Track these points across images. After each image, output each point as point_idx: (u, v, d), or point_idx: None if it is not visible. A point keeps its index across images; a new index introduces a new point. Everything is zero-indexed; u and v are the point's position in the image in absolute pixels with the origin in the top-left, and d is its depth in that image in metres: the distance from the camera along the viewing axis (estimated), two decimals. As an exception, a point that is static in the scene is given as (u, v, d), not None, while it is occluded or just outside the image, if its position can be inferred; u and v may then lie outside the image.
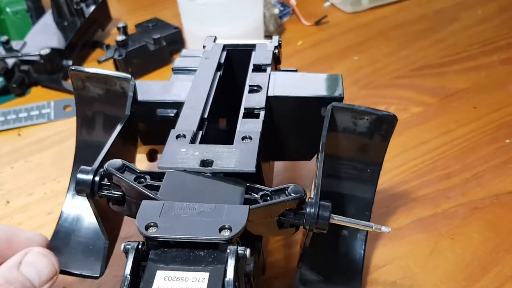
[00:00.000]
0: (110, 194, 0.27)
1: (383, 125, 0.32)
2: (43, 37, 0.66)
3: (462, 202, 0.44)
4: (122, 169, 0.27)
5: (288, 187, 0.26)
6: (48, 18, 0.70)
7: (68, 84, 0.63)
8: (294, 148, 0.39)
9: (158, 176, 0.27)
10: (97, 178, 0.27)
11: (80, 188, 0.27)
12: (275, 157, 0.41)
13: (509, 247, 0.40)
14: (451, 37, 0.68)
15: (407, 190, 0.45)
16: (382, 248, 0.40)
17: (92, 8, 0.71)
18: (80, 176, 0.27)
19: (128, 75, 0.33)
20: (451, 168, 0.47)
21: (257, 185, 0.27)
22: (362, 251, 0.37)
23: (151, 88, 0.37)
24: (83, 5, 0.70)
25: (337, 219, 0.26)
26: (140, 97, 0.35)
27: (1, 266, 0.26)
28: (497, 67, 0.62)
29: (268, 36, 0.69)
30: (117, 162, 0.27)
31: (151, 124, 0.36)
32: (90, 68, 0.34)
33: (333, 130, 0.33)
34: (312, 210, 0.26)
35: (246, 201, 0.26)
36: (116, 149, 0.31)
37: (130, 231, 0.39)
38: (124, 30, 0.66)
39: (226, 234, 0.23)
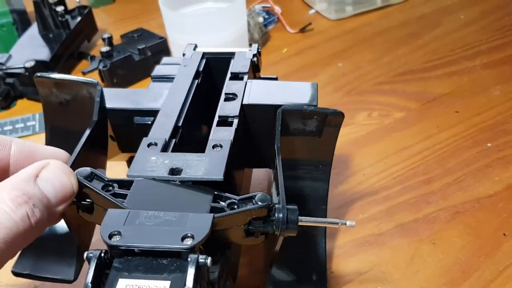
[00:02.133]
0: (78, 203, 0.27)
1: (331, 122, 0.33)
2: (28, 50, 0.66)
3: (443, 206, 0.44)
4: (90, 177, 0.27)
5: (255, 196, 0.26)
6: (33, 31, 0.70)
7: (53, 96, 0.64)
8: (270, 156, 0.39)
9: (126, 184, 0.27)
10: None
11: None
12: (251, 165, 0.41)
13: (490, 251, 0.40)
14: (433, 42, 0.69)
15: (389, 195, 0.46)
16: (364, 254, 0.41)
17: (78, 19, 0.71)
18: None
19: (95, 80, 0.33)
20: (433, 172, 0.48)
21: (225, 194, 0.27)
22: (323, 245, 0.37)
23: (128, 96, 0.37)
24: (68, 17, 0.70)
25: (305, 221, 0.26)
26: (118, 104, 0.35)
27: (14, 176, 0.24)
28: (479, 71, 0.62)
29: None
30: (86, 170, 0.27)
31: (129, 132, 0.36)
32: (56, 74, 0.34)
33: (285, 133, 0.33)
34: (281, 216, 0.26)
35: (213, 210, 0.26)
36: (85, 156, 0.30)
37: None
38: (109, 41, 0.66)
39: (188, 242, 0.23)
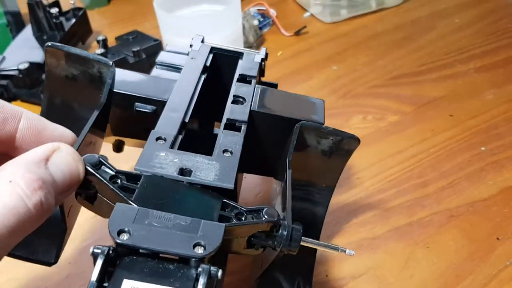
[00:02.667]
0: (82, 190, 0.26)
1: (345, 146, 0.33)
2: (22, 52, 0.66)
3: (438, 210, 0.45)
4: (98, 165, 0.26)
5: (263, 209, 0.26)
6: (27, 33, 0.70)
7: (47, 98, 0.63)
8: (269, 164, 0.39)
9: (134, 178, 0.26)
10: None
11: None
12: (250, 170, 0.41)
13: (483, 255, 0.40)
14: (428, 46, 0.69)
15: (384, 199, 0.46)
16: (358, 258, 0.41)
17: (72, 21, 0.70)
18: None
19: (109, 61, 0.32)
20: (427, 176, 0.48)
21: (233, 203, 0.27)
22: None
23: (131, 79, 0.35)
24: (62, 18, 0.70)
25: (307, 242, 0.26)
26: (119, 87, 0.34)
27: (24, 156, 0.22)
28: (473, 75, 0.63)
29: (247, 47, 0.69)
30: (93, 157, 0.26)
31: (126, 116, 0.35)
32: (69, 47, 0.32)
33: (297, 148, 0.33)
34: (285, 233, 0.25)
35: (220, 218, 0.25)
36: (87, 139, 0.29)
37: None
38: (103, 43, 0.66)
39: (200, 251, 0.22)
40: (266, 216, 0.25)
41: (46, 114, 0.36)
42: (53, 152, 0.23)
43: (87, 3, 0.86)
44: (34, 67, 0.63)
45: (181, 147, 0.31)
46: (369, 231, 0.43)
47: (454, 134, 0.53)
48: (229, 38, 0.63)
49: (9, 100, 0.64)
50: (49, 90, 0.35)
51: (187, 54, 0.40)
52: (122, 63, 0.63)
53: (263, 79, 0.45)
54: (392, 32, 0.74)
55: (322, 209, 0.36)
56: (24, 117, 0.25)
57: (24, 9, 0.70)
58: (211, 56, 0.40)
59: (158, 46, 0.68)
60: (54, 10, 0.68)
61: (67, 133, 0.27)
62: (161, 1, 0.62)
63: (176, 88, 0.35)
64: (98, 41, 0.66)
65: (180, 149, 0.30)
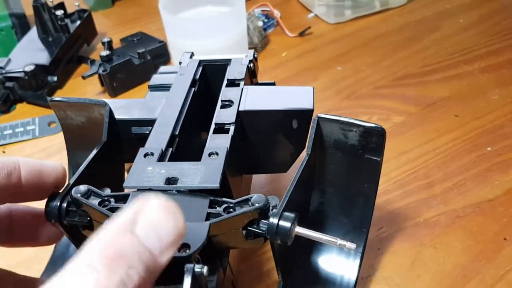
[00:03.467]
0: (76, 221, 0.27)
1: (373, 138, 0.32)
2: (28, 54, 0.67)
3: (444, 211, 0.45)
4: (87, 194, 0.27)
5: (251, 198, 0.26)
6: (33, 35, 0.70)
7: (53, 100, 0.64)
8: (268, 161, 0.39)
9: (123, 198, 0.27)
10: (64, 205, 0.27)
11: (48, 215, 0.27)
12: (250, 170, 0.41)
13: (490, 255, 0.40)
14: (432, 46, 0.69)
15: (390, 200, 0.46)
16: (364, 259, 0.40)
17: (77, 23, 0.71)
18: (48, 203, 0.27)
19: (103, 101, 0.33)
20: (433, 177, 0.48)
21: (222, 199, 0.27)
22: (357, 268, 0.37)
23: (126, 106, 0.37)
24: (67, 20, 0.70)
25: (301, 231, 0.26)
26: (116, 115, 0.36)
27: (109, 226, 0.19)
28: (477, 75, 0.63)
29: (252, 48, 0.70)
30: (82, 187, 0.27)
31: (127, 142, 0.36)
32: (68, 97, 0.34)
33: (323, 143, 0.33)
34: (274, 221, 0.25)
35: (209, 215, 0.26)
36: (97, 171, 0.30)
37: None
38: (108, 45, 0.66)
39: (184, 251, 0.23)
40: (255, 204, 0.25)
41: (70, 163, 0.38)
42: (141, 210, 0.20)
43: (91, 4, 0.86)
44: (40, 69, 0.63)
45: (174, 158, 0.31)
46: (375, 232, 0.43)
47: (460, 134, 0.53)
48: (234, 40, 0.63)
49: (15, 102, 0.64)
50: (69, 141, 0.37)
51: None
52: (127, 65, 0.64)
53: (264, 79, 0.45)
54: (396, 32, 0.74)
55: (368, 208, 0.36)
56: (22, 164, 0.27)
57: (29, 11, 0.71)
58: (200, 69, 0.41)
59: (163, 48, 0.68)
60: (59, 12, 0.68)
61: (57, 165, 0.28)
62: (166, 3, 0.62)
63: (165, 104, 0.36)
64: (103, 43, 0.66)
65: (173, 161, 0.31)
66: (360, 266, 0.37)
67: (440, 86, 0.61)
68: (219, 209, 0.26)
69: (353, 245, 0.26)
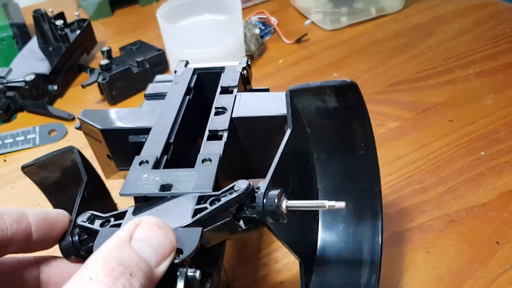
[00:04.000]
0: (91, 246, 0.28)
1: (348, 94, 0.32)
2: (28, 63, 0.68)
3: (438, 215, 0.45)
4: (90, 219, 0.28)
5: (234, 185, 0.26)
6: (33, 44, 0.71)
7: (53, 108, 0.65)
8: (263, 165, 0.40)
9: (121, 215, 0.28)
10: (75, 238, 0.28)
11: (66, 253, 0.28)
12: (245, 175, 0.42)
13: (483, 259, 0.41)
14: (427, 52, 0.70)
15: (384, 205, 0.45)
16: (359, 264, 0.41)
17: (77, 32, 0.72)
18: (61, 244, 0.28)
19: (69, 147, 0.33)
20: (427, 182, 0.49)
21: (208, 193, 0.27)
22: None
23: (122, 115, 0.38)
24: (67, 30, 0.71)
25: (289, 203, 0.26)
26: (112, 124, 0.37)
27: (108, 242, 0.21)
28: (472, 80, 0.63)
29: (249, 55, 0.71)
30: (85, 214, 0.28)
31: (125, 150, 0.37)
32: (37, 158, 0.34)
33: (307, 116, 0.32)
34: (260, 201, 0.25)
35: (196, 212, 0.26)
36: (89, 207, 0.31)
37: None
38: (108, 53, 0.67)
39: (177, 257, 0.23)
40: (237, 190, 0.25)
41: None
42: (136, 227, 0.22)
43: (91, 13, 0.88)
44: (40, 78, 0.64)
45: (170, 165, 0.32)
46: (370, 236, 0.43)
47: (454, 139, 0.54)
48: (231, 48, 0.64)
49: (16, 111, 0.65)
50: (51, 198, 0.37)
51: None
52: (126, 73, 0.65)
53: (260, 85, 0.46)
54: (392, 38, 0.74)
55: (374, 175, 0.35)
56: (29, 212, 0.27)
57: (29, 21, 0.72)
58: (195, 77, 0.42)
59: (161, 56, 0.69)
60: (59, 22, 0.69)
61: (61, 211, 0.29)
62: (163, 12, 0.63)
63: (160, 113, 0.37)
64: (102, 52, 0.67)
65: (168, 168, 0.31)
66: (382, 230, 0.35)
67: (435, 92, 0.62)
68: (206, 204, 0.27)
69: (341, 204, 0.25)
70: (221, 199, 0.26)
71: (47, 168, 0.34)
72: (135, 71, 0.65)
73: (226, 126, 0.35)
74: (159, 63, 0.69)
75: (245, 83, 0.43)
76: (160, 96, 0.40)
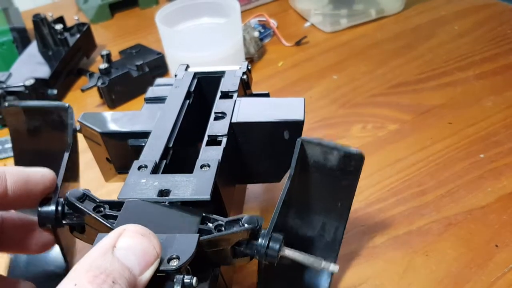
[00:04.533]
0: (73, 223, 0.28)
1: (351, 162, 0.33)
2: (28, 68, 0.68)
3: (437, 218, 0.45)
4: (82, 198, 0.28)
5: (242, 218, 0.27)
6: (33, 49, 0.71)
7: (53, 112, 0.65)
8: (261, 171, 0.40)
9: (117, 205, 0.28)
10: (59, 208, 0.28)
11: (42, 220, 0.28)
12: (244, 181, 0.42)
13: (481, 262, 0.41)
14: (427, 54, 0.70)
15: (383, 208, 0.46)
16: (357, 267, 0.41)
17: (77, 36, 0.72)
18: (42, 208, 0.28)
19: (66, 104, 0.33)
20: (426, 184, 0.49)
21: (213, 216, 0.28)
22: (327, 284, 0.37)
23: (122, 119, 0.38)
24: (67, 34, 0.72)
25: (288, 253, 0.27)
26: (112, 128, 0.37)
27: (91, 251, 0.22)
28: (472, 82, 0.63)
29: (249, 58, 0.71)
30: (78, 191, 0.28)
31: (124, 154, 0.37)
32: (26, 102, 0.34)
33: (304, 164, 0.33)
34: (263, 242, 0.26)
35: (200, 231, 0.27)
36: (64, 177, 0.31)
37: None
38: (107, 57, 0.67)
39: (174, 263, 0.23)
40: (245, 225, 0.26)
41: (18, 163, 0.38)
42: (119, 236, 0.23)
43: (91, 17, 0.88)
44: (40, 82, 0.64)
45: (169, 170, 0.32)
46: (368, 240, 0.43)
47: (453, 142, 0.54)
48: (231, 51, 0.64)
49: (16, 115, 0.65)
50: (17, 143, 0.37)
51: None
52: (126, 77, 0.65)
53: (260, 88, 0.46)
54: (391, 40, 0.74)
55: (341, 227, 0.36)
56: (8, 174, 0.27)
57: (29, 25, 0.72)
58: (195, 81, 0.42)
59: (160, 60, 0.69)
60: (59, 26, 0.70)
61: (47, 171, 0.29)
62: (162, 16, 0.63)
63: (160, 117, 0.37)
64: (102, 56, 0.67)
65: (167, 173, 0.31)
66: (331, 280, 0.37)
67: (434, 94, 0.62)
68: (211, 226, 0.27)
69: (336, 267, 0.27)
70: (226, 227, 0.27)
71: (31, 115, 0.34)
72: (135, 75, 0.66)
73: (226, 132, 0.35)
74: (159, 66, 0.69)
75: (245, 87, 0.43)
76: (160, 100, 0.40)
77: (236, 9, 0.63)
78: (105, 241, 0.22)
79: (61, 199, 0.28)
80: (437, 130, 0.56)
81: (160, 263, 0.23)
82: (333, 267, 0.27)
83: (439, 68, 0.67)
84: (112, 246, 0.22)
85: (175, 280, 0.23)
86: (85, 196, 0.28)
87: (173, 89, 0.40)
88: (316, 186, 0.35)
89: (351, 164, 0.33)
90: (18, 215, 0.31)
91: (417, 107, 0.60)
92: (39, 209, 0.28)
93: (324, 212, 0.37)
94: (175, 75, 0.43)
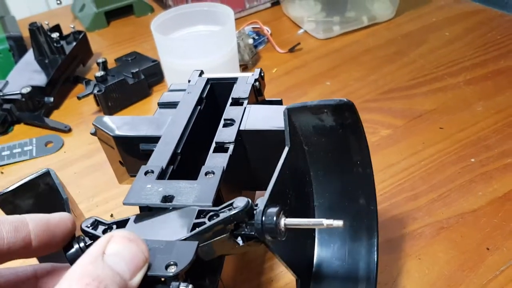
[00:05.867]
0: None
1: (345, 113, 0.32)
2: (25, 76, 0.68)
3: (429, 222, 0.46)
4: (94, 224, 0.28)
5: (233, 202, 0.26)
6: (29, 57, 0.72)
7: (50, 120, 0.65)
8: (269, 178, 0.40)
9: (123, 223, 0.29)
10: (81, 245, 0.28)
11: (73, 260, 0.28)
12: (251, 187, 0.42)
13: (473, 265, 0.42)
14: (419, 60, 0.71)
15: (376, 212, 0.47)
16: (352, 271, 0.42)
17: (73, 44, 0.73)
18: (69, 253, 0.28)
19: (45, 170, 0.32)
20: (418, 189, 0.49)
21: (207, 208, 0.28)
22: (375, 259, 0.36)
23: (135, 123, 0.38)
24: (63, 42, 0.72)
25: (288, 221, 0.26)
26: (125, 132, 0.37)
27: (81, 259, 0.22)
28: (462, 87, 0.64)
29: (243, 65, 0.71)
30: (89, 220, 0.29)
31: (136, 157, 0.37)
32: (12, 184, 0.32)
33: (305, 134, 0.33)
34: (258, 219, 0.25)
35: (195, 226, 0.27)
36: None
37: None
38: (103, 65, 0.68)
39: (172, 270, 0.24)
40: (236, 207, 0.26)
41: None
42: (108, 242, 0.23)
43: (87, 25, 0.88)
44: (36, 90, 0.65)
45: (176, 176, 0.33)
46: (362, 244, 0.44)
47: (445, 146, 0.55)
48: (225, 58, 0.65)
49: (13, 123, 0.66)
50: None
51: None
52: (122, 85, 0.65)
53: (266, 97, 0.46)
54: (383, 46, 0.75)
55: (370, 193, 0.35)
56: (28, 219, 0.27)
57: (26, 33, 0.72)
58: (208, 87, 0.42)
59: (156, 67, 0.70)
60: (55, 35, 0.70)
61: (65, 214, 0.28)
62: (157, 23, 0.64)
63: (171, 123, 0.37)
64: (98, 63, 0.68)
65: (175, 178, 0.32)
66: (377, 248, 0.36)
67: (426, 99, 0.63)
68: (204, 219, 0.27)
69: (339, 222, 0.25)
70: (219, 214, 0.27)
71: (21, 195, 0.33)
72: (131, 82, 0.66)
73: (233, 139, 0.35)
74: (154, 74, 0.70)
75: (257, 94, 0.43)
76: (173, 105, 0.40)
77: (230, 17, 0.64)
78: (94, 248, 0.23)
79: (78, 236, 0.29)
80: (429, 135, 0.57)
81: (158, 269, 0.24)
82: (337, 222, 0.25)
83: (430, 74, 0.68)
84: (101, 252, 0.22)
85: (171, 286, 0.23)
86: (96, 222, 0.29)
87: (185, 95, 0.41)
88: (327, 151, 0.34)
89: (346, 116, 0.32)
90: (50, 264, 0.31)
91: (409, 112, 0.61)
92: (67, 254, 0.28)
93: (346, 173, 0.35)
94: (189, 81, 0.43)
